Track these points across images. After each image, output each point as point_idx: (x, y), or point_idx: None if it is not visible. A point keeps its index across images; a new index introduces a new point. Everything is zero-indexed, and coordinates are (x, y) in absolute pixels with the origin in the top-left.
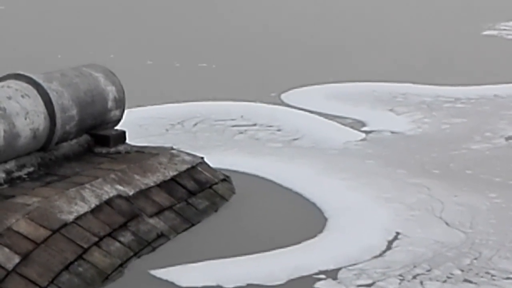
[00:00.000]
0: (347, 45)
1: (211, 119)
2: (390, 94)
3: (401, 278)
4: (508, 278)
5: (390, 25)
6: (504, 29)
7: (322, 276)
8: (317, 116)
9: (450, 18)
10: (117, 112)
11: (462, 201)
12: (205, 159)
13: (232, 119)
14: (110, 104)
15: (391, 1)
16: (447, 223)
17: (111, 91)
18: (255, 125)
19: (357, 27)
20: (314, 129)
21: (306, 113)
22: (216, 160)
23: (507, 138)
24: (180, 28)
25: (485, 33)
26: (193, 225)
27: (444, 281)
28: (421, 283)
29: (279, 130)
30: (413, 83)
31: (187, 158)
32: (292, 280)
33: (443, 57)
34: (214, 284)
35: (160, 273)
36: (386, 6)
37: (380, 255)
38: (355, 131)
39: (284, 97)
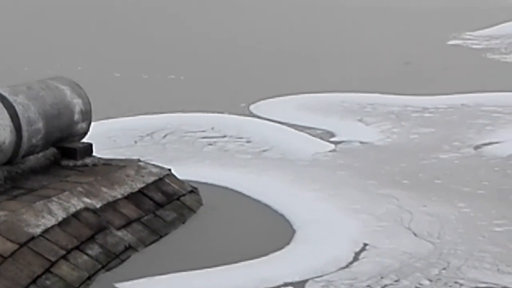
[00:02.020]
0: (315, 56)
1: (181, 131)
2: (358, 105)
3: None
4: (476, 287)
5: (357, 35)
6: (469, 39)
7: (290, 287)
8: (286, 127)
9: (415, 28)
10: (83, 125)
11: (431, 211)
12: (173, 171)
13: (202, 131)
14: (76, 116)
15: (357, 12)
16: (415, 234)
17: (77, 104)
18: (224, 136)
19: (325, 38)
20: (283, 141)
21: (276, 124)
22: (185, 172)
23: (476, 147)
24: (147, 40)
25: (450, 42)
26: (161, 237)
27: None
28: None
29: (248, 142)
30: (381, 93)
31: (154, 170)
32: None
33: (409, 67)
34: None
35: (126, 286)
36: (353, 17)
37: (347, 266)
38: (325, 142)
39: (253, 108)
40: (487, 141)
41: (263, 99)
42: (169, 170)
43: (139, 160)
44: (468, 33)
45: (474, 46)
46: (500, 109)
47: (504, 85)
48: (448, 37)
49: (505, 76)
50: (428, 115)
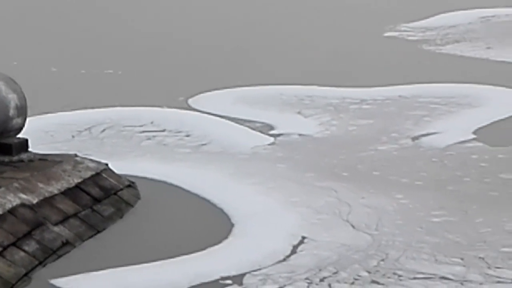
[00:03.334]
0: (252, 48)
1: (119, 125)
2: (297, 97)
3: (308, 281)
4: (415, 278)
5: (293, 28)
6: (405, 30)
7: (228, 281)
8: (225, 121)
9: (351, 20)
10: (19, 120)
11: (369, 203)
12: (110, 166)
13: (141, 125)
14: (11, 112)
15: (292, 5)
16: (353, 226)
17: (12, 99)
18: (163, 130)
19: (261, 30)
20: (223, 134)
21: (215, 117)
22: (123, 166)
23: (413, 139)
24: (84, 35)
25: (386, 34)
26: (98, 232)
27: (352, 283)
28: (329, 285)
29: (187, 136)
30: (319, 85)
31: (91, 164)
32: (193, 287)
33: (346, 59)
34: None
35: (62, 282)
36: (288, 11)
37: (284, 259)
38: (264, 135)
39: (191, 101)
40: (424, 132)
41: (202, 92)
42: (106, 164)
43: (76, 155)
44: (403, 25)
45: (410, 38)
46: (437, 100)
47: (440, 76)
48: (384, 29)
49: (441, 67)
50: (366, 106)
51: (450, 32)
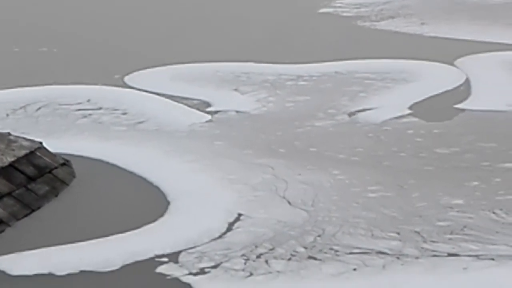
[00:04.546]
0: (186, 26)
1: (55, 103)
2: (233, 74)
3: (245, 258)
4: (351, 253)
5: (227, 4)
6: (340, 6)
7: (164, 259)
8: (162, 98)
9: None
10: None
11: (306, 179)
12: (45, 144)
13: (78, 103)
14: None
15: None
16: (290, 202)
17: None
18: (100, 108)
19: (196, 6)
20: (160, 112)
21: (152, 95)
22: (58, 145)
23: (350, 114)
24: (16, 14)
25: (321, 10)
26: (33, 211)
27: (289, 259)
28: (266, 262)
29: (124, 114)
30: (255, 62)
31: (25, 143)
32: (128, 265)
33: (282, 35)
34: (46, 272)
35: None
36: None
37: (220, 237)
38: (201, 113)
39: (127, 79)
40: (360, 107)
41: (138, 70)
42: (40, 143)
43: (9, 134)
44: (338, 1)
45: (344, 14)
46: (373, 76)
47: (375, 52)
48: (318, 5)
49: (376, 43)
50: (302, 83)
51: (385, 8)
